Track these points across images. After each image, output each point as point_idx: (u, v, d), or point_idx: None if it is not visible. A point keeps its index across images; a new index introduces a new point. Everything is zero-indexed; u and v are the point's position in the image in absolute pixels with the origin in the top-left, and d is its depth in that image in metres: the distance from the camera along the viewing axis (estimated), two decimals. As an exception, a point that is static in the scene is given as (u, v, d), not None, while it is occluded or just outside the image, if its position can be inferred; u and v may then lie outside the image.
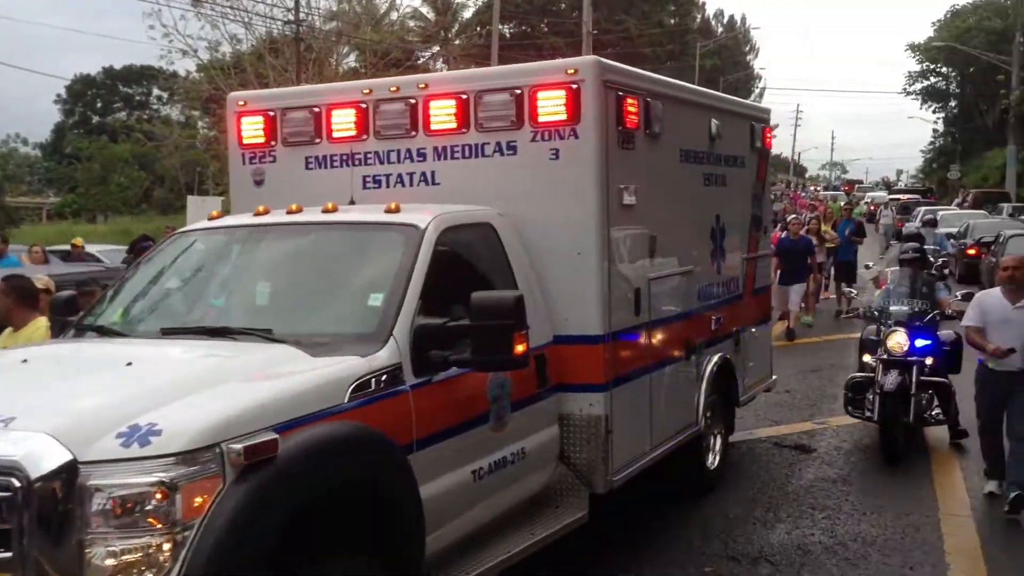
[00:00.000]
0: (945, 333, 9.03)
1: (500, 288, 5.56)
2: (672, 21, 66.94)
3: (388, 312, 4.73)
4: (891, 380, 8.31)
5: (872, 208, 51.30)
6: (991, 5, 58.83)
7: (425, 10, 61.12)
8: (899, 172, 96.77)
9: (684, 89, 7.25)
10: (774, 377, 9.28)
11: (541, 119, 5.86)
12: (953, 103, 66.33)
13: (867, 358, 8.90)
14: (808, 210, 28.60)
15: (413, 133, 6.16)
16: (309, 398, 4.06)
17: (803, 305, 16.16)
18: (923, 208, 38.08)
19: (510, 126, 5.93)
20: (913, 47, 64.27)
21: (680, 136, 7.02)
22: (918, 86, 66.72)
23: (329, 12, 49.46)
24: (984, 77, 55.05)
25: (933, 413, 8.74)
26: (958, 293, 9.10)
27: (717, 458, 7.87)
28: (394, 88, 6.21)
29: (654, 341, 6.55)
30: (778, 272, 14.96)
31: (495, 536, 5.32)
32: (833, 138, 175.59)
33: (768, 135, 8.83)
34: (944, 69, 64.47)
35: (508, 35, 62.58)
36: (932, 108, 68.05)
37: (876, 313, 9.06)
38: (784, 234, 16.13)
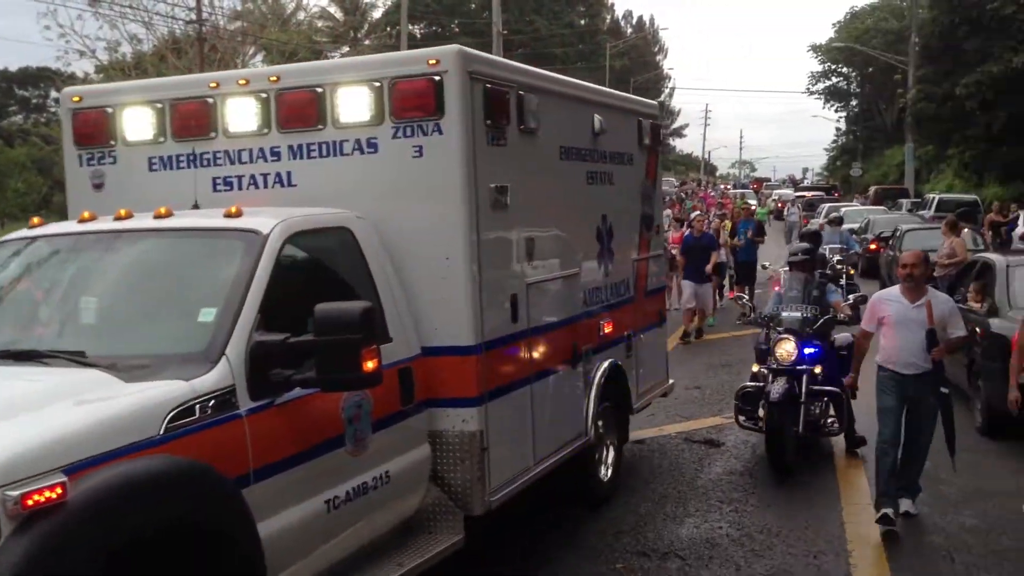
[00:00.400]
0: (842, 336, 8.64)
1: (358, 298, 5.10)
2: (582, 22, 67.19)
3: (220, 329, 4.23)
4: (778, 389, 7.83)
5: (780, 205, 52.13)
6: (888, 7, 60.41)
7: (333, 10, 60.27)
8: (805, 170, 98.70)
9: (562, 83, 6.86)
10: (671, 381, 8.98)
11: (402, 114, 5.41)
12: (854, 102, 67.87)
13: (756, 367, 8.45)
14: (715, 208, 28.64)
15: (266, 130, 5.65)
16: (113, 431, 3.54)
17: (721, 304, 16.67)
18: (827, 205, 38.61)
19: (370, 122, 5.46)
20: (815, 48, 65.66)
21: (559, 132, 6.64)
22: (820, 86, 68.20)
23: (233, 12, 48.19)
24: (883, 77, 56.30)
25: (827, 422, 8.31)
26: (850, 296, 8.73)
27: (611, 470, 7.51)
28: (243, 81, 5.69)
29: (535, 349, 6.15)
30: (684, 270, 15.35)
31: (357, 571, 4.85)
32: (741, 137, 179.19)
33: (657, 131, 8.51)
34: (845, 69, 65.94)
35: (419, 35, 62.04)
36: (834, 107, 69.63)
37: (767, 319, 8.57)
38: (689, 231, 16.18)
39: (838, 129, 72.92)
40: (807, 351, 8.09)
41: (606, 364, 7.25)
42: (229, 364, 4.12)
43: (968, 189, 37.71)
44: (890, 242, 22.22)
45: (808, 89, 68.92)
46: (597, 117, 7.15)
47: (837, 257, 17.20)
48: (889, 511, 6.70)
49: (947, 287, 11.56)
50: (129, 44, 30.45)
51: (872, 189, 44.89)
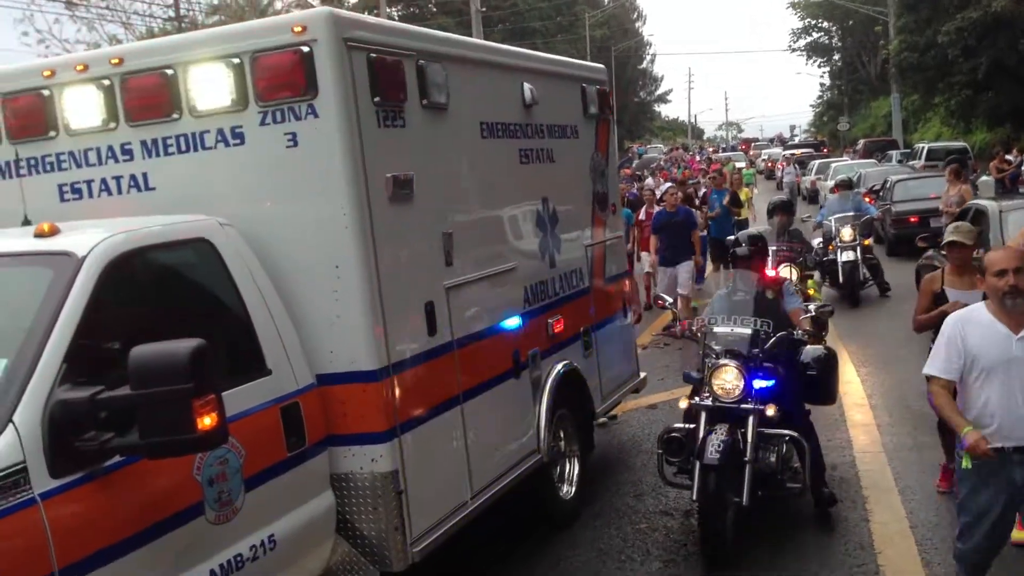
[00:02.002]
0: (812, 350, 6.45)
1: (219, 327, 4.10)
2: (558, -6, 65.62)
3: (8, 388, 3.22)
4: (715, 447, 5.40)
5: (769, 165, 50.91)
6: (865, -42, 58.97)
7: (310, -3, 59.01)
8: (792, 128, 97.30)
9: (478, 48, 5.80)
10: (643, 375, 7.93)
11: (269, 95, 4.37)
12: (836, 56, 66.55)
13: (684, 403, 5.95)
14: (700, 175, 27.13)
15: (113, 124, 4.62)
16: None
17: (698, 287, 13.34)
18: (818, 161, 37.45)
19: (232, 107, 4.43)
20: (794, 4, 64.20)
21: (479, 106, 5.59)
22: (802, 42, 66.79)
23: (211, 6, 47.11)
24: (863, 29, 55.00)
25: (786, 475, 5.88)
26: (810, 307, 6.68)
27: (574, 487, 6.51)
28: (80, 67, 4.64)
29: (463, 363, 5.13)
30: (659, 254, 13.06)
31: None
32: (727, 99, 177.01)
33: (606, 98, 7.43)
34: (825, 24, 64.57)
35: (397, 18, 60.68)
36: (817, 63, 68.32)
37: (701, 336, 6.05)
38: (660, 207, 13.87)
39: (822, 84, 71.71)
40: (757, 384, 5.73)
41: (559, 367, 6.24)
42: (17, 434, 3.11)
43: (956, 136, 36.91)
44: (880, 193, 21.45)
45: (790, 46, 67.59)
46: (527, 86, 6.09)
47: (847, 229, 13.84)
48: None
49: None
50: (109, 45, 29.45)
51: (861, 142, 43.79)
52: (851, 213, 14.21)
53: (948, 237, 6.11)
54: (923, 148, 31.18)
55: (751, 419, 5.59)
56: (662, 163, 44.71)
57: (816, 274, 12.66)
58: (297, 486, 4.25)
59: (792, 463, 5.92)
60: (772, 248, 10.46)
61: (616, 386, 7.30)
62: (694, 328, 6.08)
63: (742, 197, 17.44)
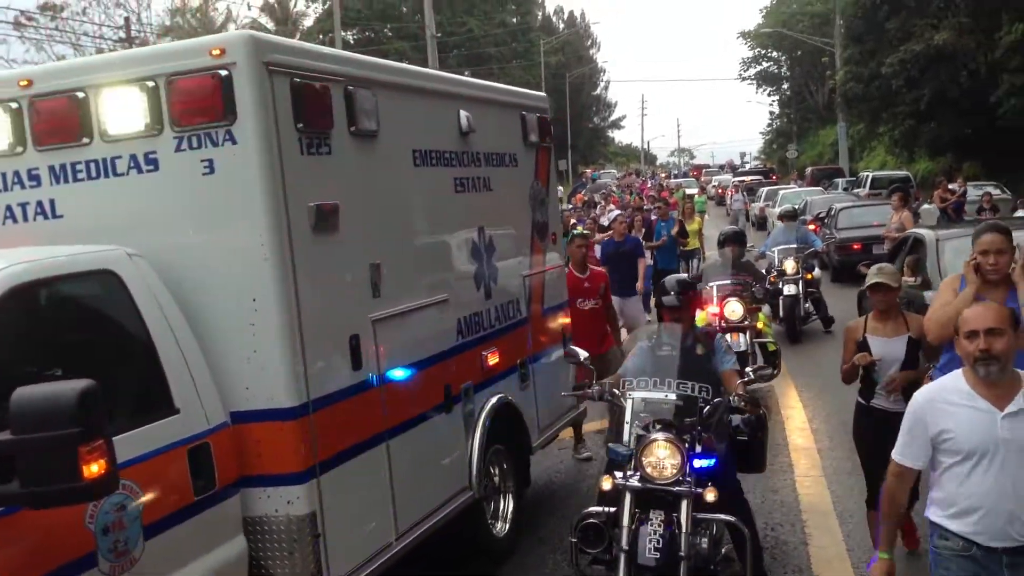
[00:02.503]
0: (741, 419, 5.45)
1: (125, 363, 3.87)
2: (514, 20, 65.99)
3: None
4: (652, 542, 4.47)
5: (720, 192, 51.32)
6: (813, -10, 59.99)
7: (265, 20, 58.51)
8: (743, 154, 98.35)
9: (412, 74, 5.62)
10: (583, 407, 7.77)
11: (185, 120, 4.16)
12: (785, 86, 67.50)
13: (607, 483, 4.71)
14: (650, 201, 27.01)
15: (20, 149, 4.37)
16: None
17: (649, 319, 12.12)
18: (766, 189, 37.74)
19: (145, 132, 4.20)
20: (744, 34, 65.13)
21: (412, 133, 5.41)
22: (752, 71, 67.70)
23: (162, 27, 46.47)
24: (811, 59, 55.89)
25: (720, 569, 4.99)
26: (748, 371, 5.53)
27: (508, 524, 6.30)
28: (-15, 89, 4.40)
29: (389, 399, 4.93)
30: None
31: None
32: (679, 125, 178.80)
33: (547, 126, 7.29)
34: (775, 54, 65.52)
35: (352, 41, 60.50)
36: (767, 91, 69.26)
37: (623, 399, 4.98)
38: (608, 236, 13.09)
39: (772, 113, 72.65)
40: (698, 463, 4.73)
41: (493, 401, 6.05)
42: None
43: (900, 165, 37.48)
44: (825, 221, 21.78)
45: (740, 75, 68.50)
46: (464, 114, 5.93)
47: (790, 261, 13.22)
48: None
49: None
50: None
51: (808, 170, 44.33)
52: (794, 245, 13.84)
53: (871, 279, 5.43)
54: (867, 176, 31.63)
55: (685, 504, 4.55)
56: (613, 189, 44.82)
57: (767, 307, 11.94)
58: (205, 532, 4.00)
59: (723, 546, 5.09)
60: (722, 282, 10.36)
61: (555, 418, 7.13)
62: (614, 389, 5.05)
63: (693, 226, 17.03)
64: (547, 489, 7.57)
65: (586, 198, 34.93)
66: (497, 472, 6.25)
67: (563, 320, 7.43)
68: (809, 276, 13.49)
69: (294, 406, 4.21)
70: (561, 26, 73.06)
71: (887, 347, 5.35)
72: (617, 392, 5.03)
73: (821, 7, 54.52)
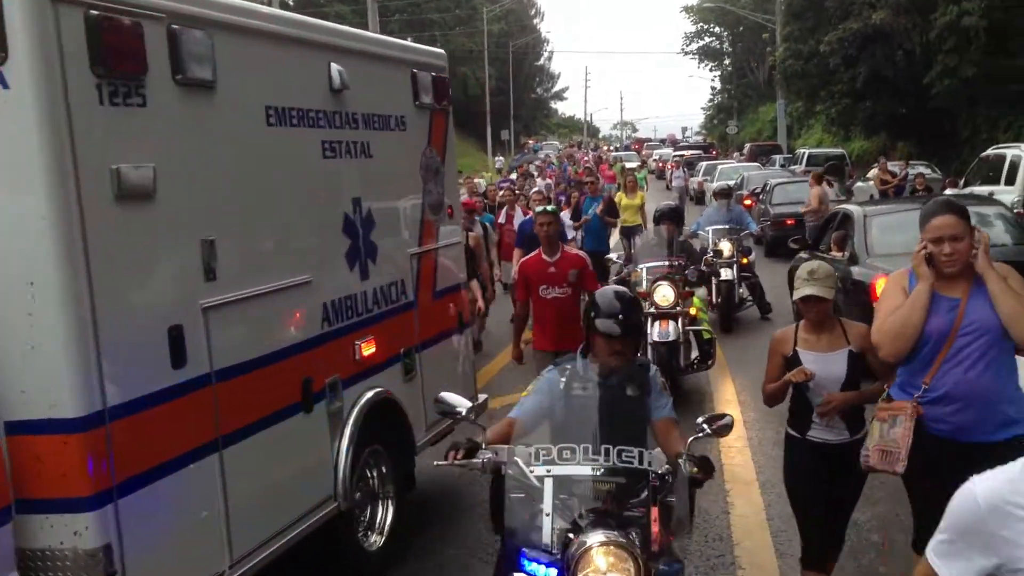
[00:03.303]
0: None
1: None
2: (457, -14, 64.62)
3: None
4: None
5: (660, 166, 50.82)
6: (756, -34, 59.60)
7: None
8: (684, 129, 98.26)
9: (263, 15, 4.66)
10: (483, 398, 6.94)
11: (-58, 60, 3.28)
12: (727, 61, 67.29)
13: None
14: (584, 175, 25.71)
15: None
16: None
17: None
18: (705, 163, 37.29)
19: None
20: (687, 8, 64.59)
21: (266, 87, 4.56)
22: (695, 46, 67.32)
23: None
24: (753, 36, 55.73)
25: None
26: (701, 421, 3.61)
27: (384, 535, 5.53)
28: None
29: (225, 399, 4.10)
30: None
31: None
32: (622, 98, 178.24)
33: (444, 86, 6.46)
34: (717, 29, 65.15)
35: (291, 3, 58.64)
36: (708, 67, 69.04)
37: (530, 478, 3.39)
38: (528, 215, 11.83)
39: (713, 88, 72.43)
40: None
41: (368, 396, 5.26)
42: None
43: (836, 143, 37.43)
44: (760, 196, 21.54)
45: (683, 49, 68.07)
46: (336, 67, 5.07)
47: (725, 243, 12.26)
48: None
49: (813, 236, 11.91)
50: None
51: (747, 146, 44.08)
52: (728, 225, 12.81)
53: (802, 290, 4.23)
54: (804, 154, 31.45)
55: None
56: (553, 159, 43.73)
57: (702, 290, 10.71)
58: (-39, 572, 3.18)
59: None
60: (655, 263, 9.49)
61: (446, 412, 6.34)
62: (515, 458, 3.42)
63: (635, 201, 15.78)
64: (436, 489, 6.80)
65: (524, 169, 33.72)
66: (374, 476, 5.48)
67: (459, 303, 6.64)
68: (745, 260, 12.59)
69: (82, 416, 3.38)
70: (505, -5, 71.79)
71: (824, 364, 4.23)
72: (520, 463, 3.40)
73: (764, -17, 54.17)
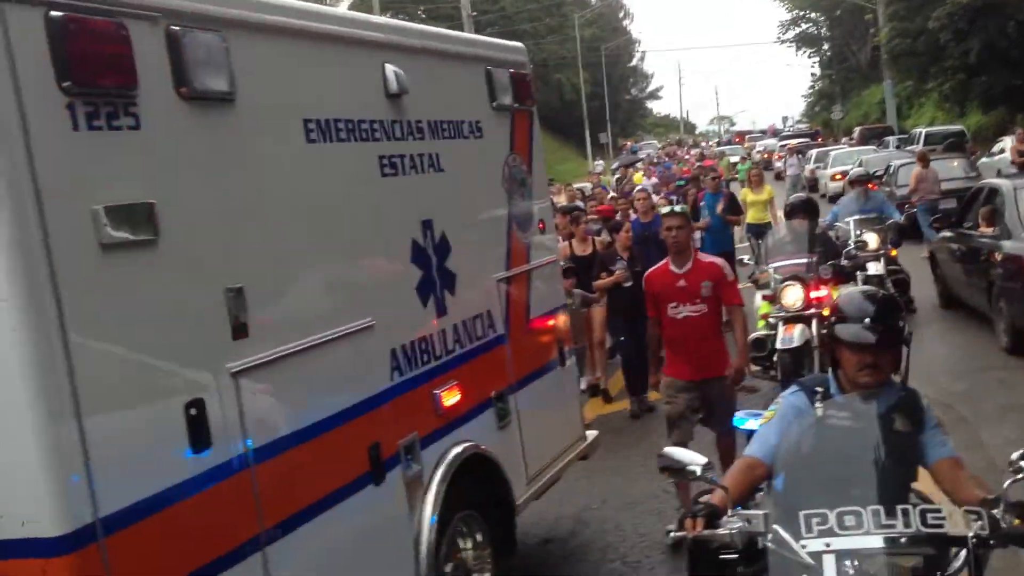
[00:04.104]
0: None
1: None
2: (546, -5, 63.83)
3: None
4: None
5: (766, 156, 48.45)
6: (850, -52, 57.06)
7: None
8: (784, 119, 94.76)
9: (296, 11, 3.80)
10: (591, 436, 5.97)
11: None
12: (826, 46, 64.49)
13: None
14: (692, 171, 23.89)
15: None
16: None
17: None
18: (816, 150, 35.09)
19: None
20: (781, -3, 62.18)
21: (303, 96, 3.69)
22: (791, 34, 64.74)
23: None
24: (851, 18, 53.10)
25: None
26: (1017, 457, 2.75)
27: (479, 611, 4.60)
28: None
29: (266, 486, 3.23)
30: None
31: None
32: (717, 93, 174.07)
33: (526, 84, 5.48)
34: (813, 15, 62.51)
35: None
36: (807, 53, 66.25)
37: (801, 553, 2.58)
38: (635, 216, 10.52)
39: (813, 75, 69.55)
40: None
41: (454, 453, 4.34)
42: None
43: (950, 120, 35.19)
44: (883, 179, 19.85)
45: (779, 38, 65.51)
46: (391, 69, 4.18)
47: (871, 235, 10.43)
48: None
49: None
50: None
51: (857, 130, 41.71)
52: (872, 215, 11.02)
53: None
54: (920, 133, 29.37)
55: None
56: (654, 159, 42.05)
57: (845, 287, 8.65)
58: None
59: None
60: (786, 262, 8.33)
61: (550, 460, 5.36)
62: (776, 527, 2.65)
63: (762, 196, 13.90)
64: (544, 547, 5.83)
65: (626, 172, 31.71)
66: (469, 545, 4.56)
67: (559, 330, 5.66)
68: (894, 252, 10.91)
69: (65, 534, 2.55)
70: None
71: None
72: (784, 534, 2.61)
73: (860, -36, 51.69)
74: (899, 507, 2.57)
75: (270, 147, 3.49)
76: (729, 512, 2.72)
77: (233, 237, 3.24)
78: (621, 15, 74.90)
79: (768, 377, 8.20)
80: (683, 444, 4.93)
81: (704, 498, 2.90)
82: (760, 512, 2.71)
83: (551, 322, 5.55)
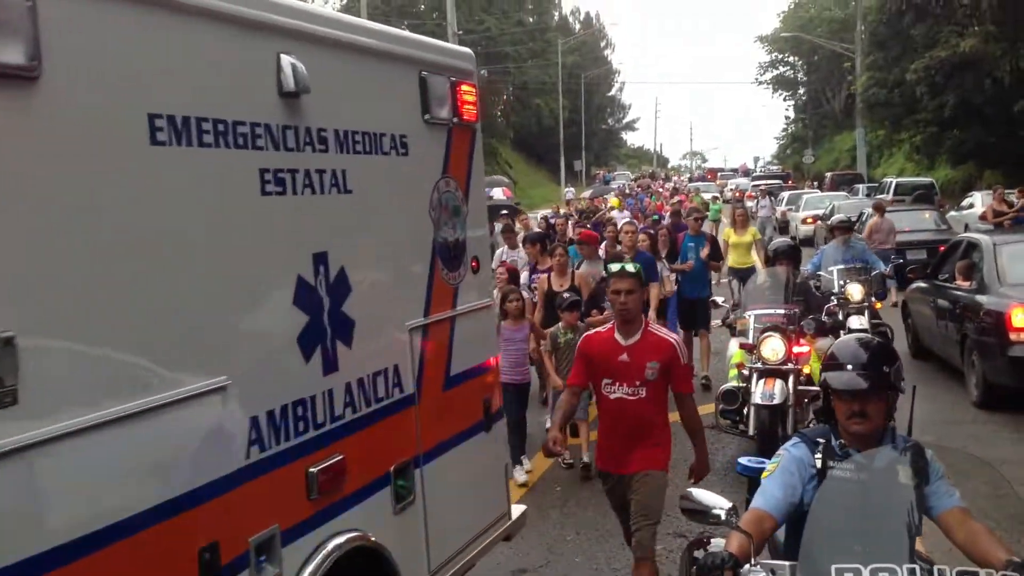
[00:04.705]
0: None
1: None
2: (531, 19, 63.44)
3: None
4: None
5: (738, 195, 47.87)
6: (829, -6, 57.30)
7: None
8: (756, 159, 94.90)
9: None
10: (518, 511, 5.03)
11: None
12: (802, 91, 64.62)
13: None
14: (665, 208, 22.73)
15: None
16: None
17: None
18: (787, 193, 34.69)
19: None
20: (762, 38, 62.48)
21: (154, 83, 2.74)
22: (768, 76, 64.86)
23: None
24: (829, 65, 53.31)
25: None
26: None
27: None
28: None
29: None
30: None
31: None
32: (691, 128, 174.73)
33: (465, 95, 4.56)
34: (791, 58, 62.72)
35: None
36: (783, 96, 66.42)
37: None
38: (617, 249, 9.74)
39: (787, 118, 69.65)
40: None
41: (328, 549, 3.37)
42: None
43: (919, 172, 35.31)
44: (856, 226, 19.24)
45: (756, 79, 65.55)
46: (289, 61, 3.25)
47: (856, 286, 9.69)
48: None
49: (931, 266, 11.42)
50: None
51: (828, 175, 41.46)
52: (856, 264, 10.26)
53: None
54: (891, 183, 29.05)
55: None
56: (626, 190, 41.08)
57: (825, 341, 7.71)
58: None
59: None
60: (766, 311, 7.77)
61: (462, 546, 4.40)
62: None
63: (746, 238, 12.86)
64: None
65: (600, 201, 30.07)
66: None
67: (484, 389, 4.71)
68: (878, 305, 10.14)
69: None
70: (577, 27, 70.11)
71: None
72: None
73: (839, 13, 51.83)
74: (935, 567, 2.67)
75: (90, 145, 2.53)
76: (752, 561, 2.70)
77: (9, 266, 2.29)
78: (603, 44, 74.57)
79: (737, 432, 7.43)
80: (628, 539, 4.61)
81: (717, 548, 2.88)
82: (786, 563, 2.74)
83: (476, 379, 4.61)
